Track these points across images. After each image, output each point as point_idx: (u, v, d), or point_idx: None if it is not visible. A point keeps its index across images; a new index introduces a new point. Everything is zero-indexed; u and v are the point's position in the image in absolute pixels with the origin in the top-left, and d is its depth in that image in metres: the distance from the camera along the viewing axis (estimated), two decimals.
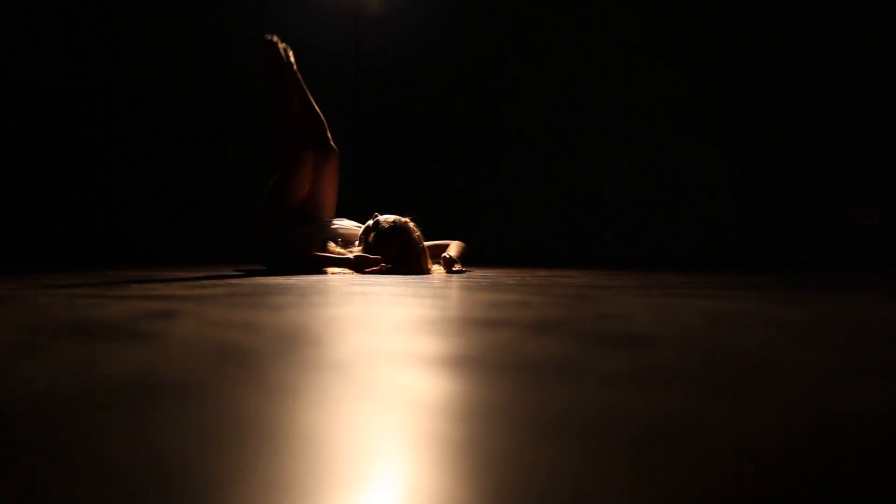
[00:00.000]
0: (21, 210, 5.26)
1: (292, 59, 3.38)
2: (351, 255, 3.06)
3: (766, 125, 5.52)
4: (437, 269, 3.19)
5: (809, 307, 1.69)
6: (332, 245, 3.13)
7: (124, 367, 0.82)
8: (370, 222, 3.15)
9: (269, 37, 3.34)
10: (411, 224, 3.13)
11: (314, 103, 3.44)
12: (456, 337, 1.11)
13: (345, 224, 3.38)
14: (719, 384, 0.77)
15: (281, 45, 3.35)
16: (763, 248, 5.49)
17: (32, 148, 5.31)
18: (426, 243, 3.20)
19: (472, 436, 0.56)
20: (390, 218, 3.13)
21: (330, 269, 3.02)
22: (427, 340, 1.07)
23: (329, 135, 3.44)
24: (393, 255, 3.05)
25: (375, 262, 3.01)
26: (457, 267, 3.19)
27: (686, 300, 1.79)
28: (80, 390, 0.70)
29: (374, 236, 3.07)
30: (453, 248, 3.31)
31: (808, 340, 1.12)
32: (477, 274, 3.15)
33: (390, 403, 0.66)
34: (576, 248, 5.96)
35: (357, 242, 3.16)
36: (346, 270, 3.02)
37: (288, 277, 2.62)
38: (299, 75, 3.38)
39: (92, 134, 5.56)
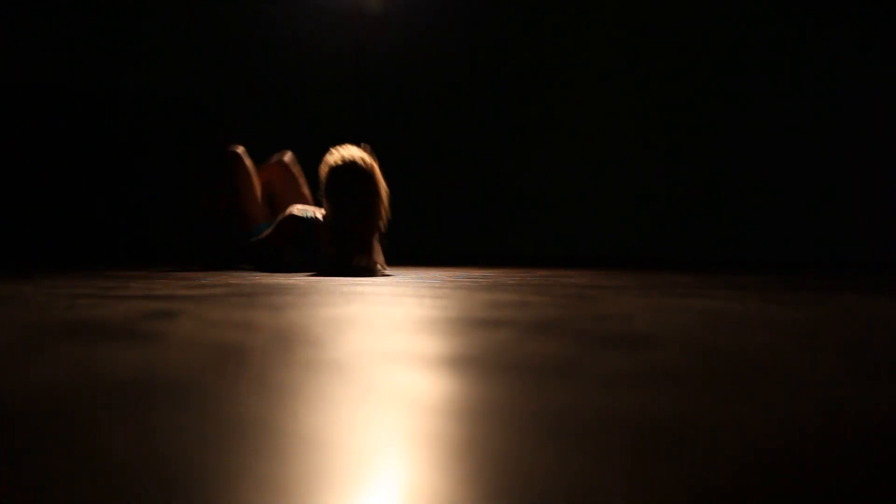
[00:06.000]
0: (20, 209, 5.28)
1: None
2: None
3: (762, 125, 5.52)
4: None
5: (809, 307, 1.70)
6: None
7: (124, 367, 0.82)
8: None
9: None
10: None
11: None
12: (456, 337, 1.11)
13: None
14: (719, 384, 0.77)
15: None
16: (762, 247, 5.49)
17: (40, 148, 5.33)
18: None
19: (471, 436, 0.56)
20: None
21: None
22: (427, 340, 1.07)
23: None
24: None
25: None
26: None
27: (685, 300, 1.79)
28: (81, 390, 0.70)
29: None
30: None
31: (807, 341, 1.12)
32: (476, 274, 3.15)
33: (390, 403, 0.66)
34: (575, 248, 5.96)
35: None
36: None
37: (288, 277, 2.62)
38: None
39: (98, 134, 5.57)
